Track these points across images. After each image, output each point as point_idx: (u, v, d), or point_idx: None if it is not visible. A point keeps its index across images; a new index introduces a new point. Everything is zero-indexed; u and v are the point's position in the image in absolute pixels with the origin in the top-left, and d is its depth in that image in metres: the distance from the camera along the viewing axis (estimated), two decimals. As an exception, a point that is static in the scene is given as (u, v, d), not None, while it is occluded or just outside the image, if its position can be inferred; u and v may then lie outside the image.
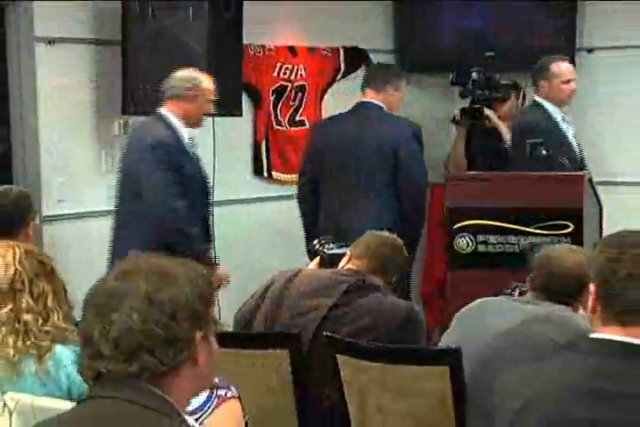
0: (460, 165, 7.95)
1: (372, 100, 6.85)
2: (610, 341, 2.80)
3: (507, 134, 7.82)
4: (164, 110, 5.92)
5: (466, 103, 7.91)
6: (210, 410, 3.06)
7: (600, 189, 6.93)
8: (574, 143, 7.07)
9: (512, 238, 6.44)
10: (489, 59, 8.06)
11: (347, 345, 4.29)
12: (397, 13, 8.48)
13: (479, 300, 4.43)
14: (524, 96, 8.24)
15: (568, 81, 7.02)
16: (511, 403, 2.85)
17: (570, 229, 6.41)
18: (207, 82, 5.94)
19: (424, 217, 6.87)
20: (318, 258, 5.38)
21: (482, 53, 8.11)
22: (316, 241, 5.68)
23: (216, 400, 3.10)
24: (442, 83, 8.17)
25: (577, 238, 6.38)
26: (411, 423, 4.10)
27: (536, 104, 7.11)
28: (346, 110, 7.04)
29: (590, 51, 8.53)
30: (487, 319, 4.23)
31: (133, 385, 2.28)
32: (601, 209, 6.95)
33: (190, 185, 5.96)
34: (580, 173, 6.92)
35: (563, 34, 8.51)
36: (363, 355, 4.22)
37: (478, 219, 6.85)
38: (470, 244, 6.91)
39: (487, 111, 7.84)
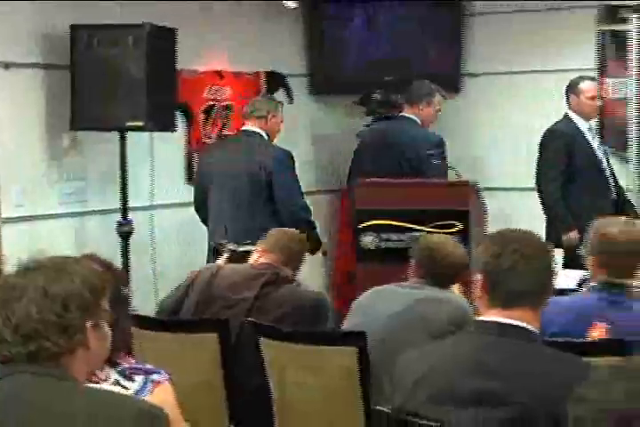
0: (365, 172, 7.96)
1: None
2: (493, 322, 2.84)
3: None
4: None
5: (369, 120, 7.96)
6: (147, 394, 3.01)
7: (486, 194, 7.00)
8: (598, 150, 7.07)
9: (410, 236, 6.48)
10: (388, 82, 8.08)
11: (268, 330, 4.29)
12: (309, 42, 8.47)
13: (373, 288, 4.46)
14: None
15: (592, 97, 7.04)
16: (407, 378, 2.87)
17: (458, 228, 6.47)
18: None
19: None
20: (227, 255, 5.41)
21: (382, 77, 8.12)
22: (225, 240, 5.71)
23: (151, 385, 3.05)
24: (348, 102, 8.19)
25: (464, 236, 6.42)
26: (323, 396, 4.12)
27: (566, 116, 7.13)
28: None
29: (474, 76, 8.59)
30: (381, 305, 4.27)
31: (34, 363, 2.31)
32: (485, 210, 7.01)
33: None
34: (466, 180, 6.96)
35: (450, 61, 8.57)
36: (282, 338, 4.23)
37: (381, 219, 6.88)
38: (374, 240, 6.94)
39: (389, 127, 7.88)
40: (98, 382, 2.91)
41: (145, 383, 3.06)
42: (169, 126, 6.59)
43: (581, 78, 7.17)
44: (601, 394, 1.79)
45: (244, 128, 6.89)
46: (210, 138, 7.63)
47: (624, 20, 7.78)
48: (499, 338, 2.80)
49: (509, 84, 8.43)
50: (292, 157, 6.75)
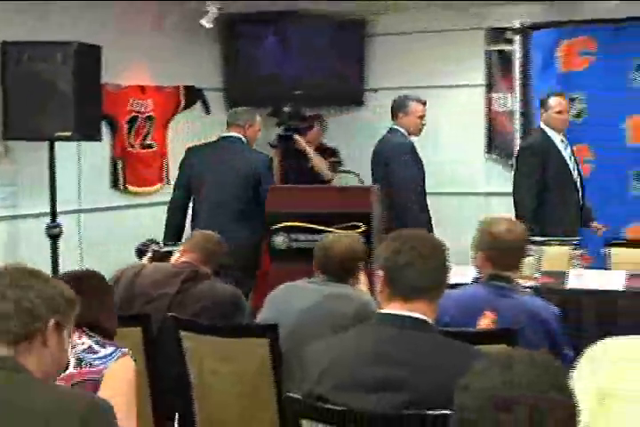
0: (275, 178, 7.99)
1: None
2: (393, 314, 2.86)
3: (311, 154, 7.91)
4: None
5: (280, 131, 7.97)
6: (114, 359, 3.15)
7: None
8: (570, 161, 6.89)
9: (318, 237, 6.48)
10: (298, 96, 8.09)
11: (188, 323, 4.28)
12: (225, 59, 8.47)
13: (284, 284, 4.46)
14: (326, 125, 8.34)
15: (559, 111, 6.89)
16: (314, 368, 2.88)
17: (362, 229, 6.50)
18: None
19: None
20: (150, 254, 5.40)
21: (292, 92, 8.14)
22: (153, 244, 5.69)
23: (119, 353, 3.17)
24: (261, 114, 8.18)
25: (368, 236, 6.45)
26: (239, 384, 4.10)
27: (540, 130, 6.97)
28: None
29: (376, 90, 8.64)
30: (292, 299, 4.28)
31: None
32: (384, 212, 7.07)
33: None
34: (370, 186, 7.00)
35: (354, 77, 8.61)
36: (201, 331, 4.22)
37: (291, 221, 6.90)
38: (285, 241, 6.95)
39: (297, 137, 7.90)
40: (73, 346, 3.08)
41: (114, 352, 3.18)
42: (95, 136, 6.55)
43: (550, 95, 7.05)
44: (482, 382, 1.81)
45: (223, 135, 6.97)
46: (133, 146, 7.59)
47: (509, 41, 7.89)
48: (398, 329, 2.82)
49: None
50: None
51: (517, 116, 7.84)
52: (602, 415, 2.79)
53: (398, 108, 7.20)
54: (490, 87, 8.23)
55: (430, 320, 2.87)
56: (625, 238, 7.02)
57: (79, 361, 3.12)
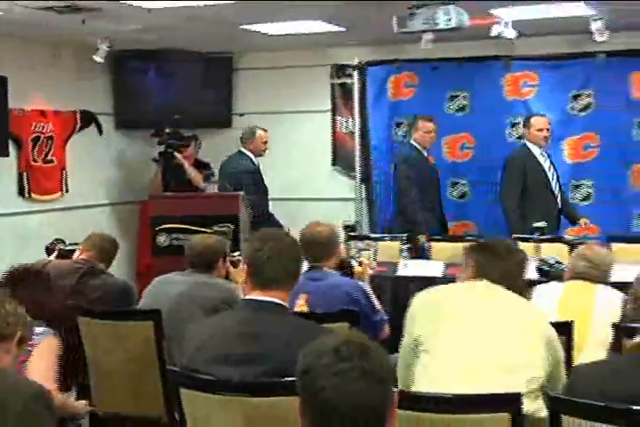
0: (158, 188, 7.91)
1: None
2: (254, 300, 2.86)
3: (189, 169, 7.88)
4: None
5: (162, 149, 7.91)
6: (45, 337, 3.36)
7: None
8: (548, 171, 6.76)
9: (193, 236, 6.45)
10: (176, 120, 8.04)
11: (84, 310, 4.21)
12: (115, 88, 8.32)
13: (161, 276, 4.44)
14: (200, 144, 8.30)
15: (540, 129, 6.73)
16: (191, 345, 2.87)
17: (231, 230, 6.51)
18: None
19: None
20: (56, 252, 5.30)
21: (172, 116, 8.07)
22: (60, 243, 5.58)
23: (50, 334, 3.39)
24: (145, 135, 8.09)
25: (235, 234, 6.46)
26: (128, 360, 4.05)
27: (524, 145, 6.83)
28: None
29: (242, 115, 8.63)
30: (165, 288, 4.25)
31: None
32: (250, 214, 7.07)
33: None
34: (237, 193, 6.99)
35: (223, 103, 8.60)
36: (96, 316, 4.16)
37: (172, 223, 6.85)
38: (166, 240, 6.90)
39: (176, 153, 7.86)
40: None
41: (45, 331, 3.39)
42: (2, 152, 6.40)
43: (532, 115, 6.95)
44: (313, 360, 1.83)
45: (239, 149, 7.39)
46: (36, 161, 7.41)
47: (349, 75, 7.96)
48: (259, 312, 2.83)
49: (268, 122, 8.49)
50: None
51: (357, 136, 7.93)
52: (415, 362, 2.92)
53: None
54: (334, 112, 8.30)
55: (285, 304, 2.88)
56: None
57: None
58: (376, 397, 1.77)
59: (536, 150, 6.73)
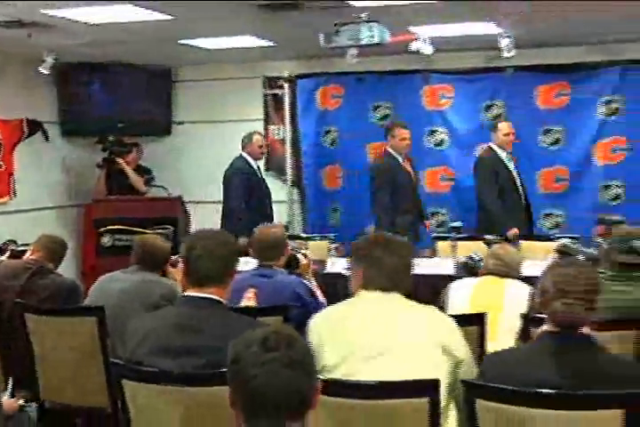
0: (101, 192, 7.83)
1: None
2: (191, 296, 2.85)
3: (131, 174, 7.81)
4: None
5: (105, 155, 7.83)
6: None
7: (190, 206, 7.02)
8: (514, 172, 6.73)
9: (135, 237, 6.41)
10: (119, 128, 7.96)
11: (31, 307, 4.14)
12: (60, 98, 8.18)
13: (105, 274, 4.39)
14: (142, 150, 8.22)
15: (506, 134, 6.69)
16: (133, 339, 2.84)
17: (170, 231, 6.48)
18: None
19: None
20: (8, 253, 5.21)
21: (116, 124, 7.99)
22: (12, 244, 5.49)
23: None
24: (90, 142, 8.01)
25: (174, 235, 6.43)
26: (74, 354, 3.98)
27: (491, 148, 6.77)
28: None
29: (180, 123, 8.59)
30: (110, 285, 4.20)
31: None
32: (189, 217, 7.03)
33: None
34: (176, 196, 6.95)
35: (163, 112, 8.53)
36: (43, 313, 4.09)
37: (114, 225, 6.79)
38: (110, 240, 6.83)
39: (118, 159, 7.79)
40: None
41: None
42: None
43: (499, 120, 6.93)
44: (242, 350, 1.83)
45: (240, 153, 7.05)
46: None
47: (281, 87, 7.97)
48: (196, 307, 2.80)
49: (205, 130, 8.49)
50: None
51: (288, 142, 7.94)
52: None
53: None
54: (267, 121, 8.29)
55: (222, 300, 2.85)
56: None
57: None
58: (301, 384, 1.78)
59: (502, 153, 6.75)
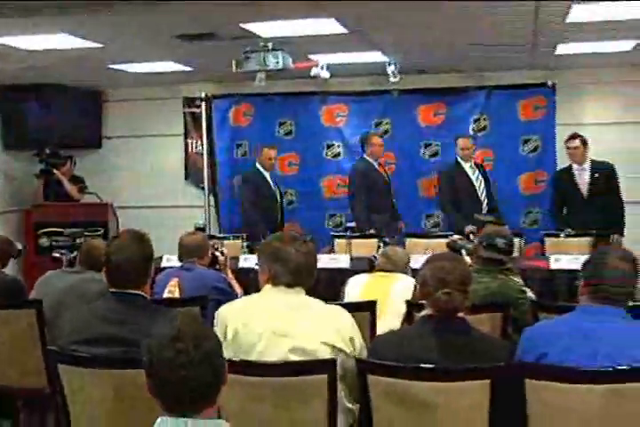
0: (39, 198, 7.63)
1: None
2: (119, 291, 2.77)
3: (66, 183, 7.64)
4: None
5: (42, 166, 7.64)
6: None
7: (119, 211, 6.87)
8: (476, 181, 6.67)
9: (69, 239, 6.32)
10: (55, 141, 7.74)
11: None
12: (1, 115, 7.91)
13: (48, 272, 4.26)
14: (75, 162, 7.99)
15: (463, 148, 6.64)
16: (67, 329, 2.78)
17: (101, 233, 6.38)
18: None
19: None
20: None
21: (51, 139, 7.75)
22: None
23: None
24: (29, 155, 7.78)
25: (105, 237, 6.31)
26: (14, 343, 3.85)
27: (455, 160, 6.72)
28: None
29: (109, 138, 8.42)
30: (53, 282, 4.09)
31: None
32: (117, 220, 6.87)
33: None
34: (106, 202, 6.82)
35: (94, 128, 8.34)
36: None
37: (51, 227, 6.66)
38: (47, 241, 6.68)
39: (55, 170, 7.62)
40: None
41: None
42: None
43: (459, 136, 6.80)
44: (156, 354, 1.81)
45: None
46: None
47: (198, 106, 7.89)
48: (121, 301, 2.73)
49: (132, 144, 8.35)
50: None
51: (205, 155, 7.86)
52: None
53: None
54: (187, 136, 8.22)
55: (144, 294, 2.77)
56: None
57: None
58: (210, 376, 1.80)
59: (465, 164, 6.74)
